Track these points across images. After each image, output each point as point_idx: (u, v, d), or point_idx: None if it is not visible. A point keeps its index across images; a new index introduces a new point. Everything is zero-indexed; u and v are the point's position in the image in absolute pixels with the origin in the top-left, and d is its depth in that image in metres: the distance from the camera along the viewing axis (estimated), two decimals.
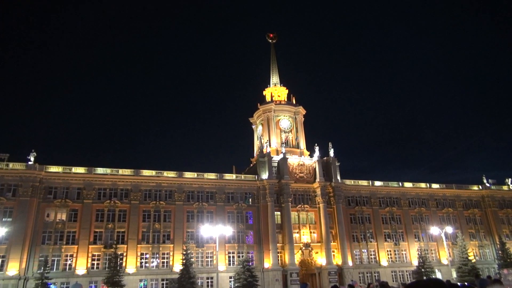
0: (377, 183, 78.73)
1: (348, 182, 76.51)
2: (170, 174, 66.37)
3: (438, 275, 69.02)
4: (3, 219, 54.41)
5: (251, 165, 78.37)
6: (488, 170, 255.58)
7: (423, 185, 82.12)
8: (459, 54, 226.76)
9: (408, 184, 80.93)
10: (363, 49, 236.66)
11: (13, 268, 52.43)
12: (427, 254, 72.04)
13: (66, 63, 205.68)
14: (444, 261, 71.63)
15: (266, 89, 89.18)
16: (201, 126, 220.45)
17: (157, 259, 60.49)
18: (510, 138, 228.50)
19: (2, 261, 52.99)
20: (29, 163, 58.20)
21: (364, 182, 78.32)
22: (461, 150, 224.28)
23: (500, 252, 73.52)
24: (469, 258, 67.57)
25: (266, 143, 75.75)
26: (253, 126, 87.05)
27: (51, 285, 50.67)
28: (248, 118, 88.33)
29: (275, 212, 68.11)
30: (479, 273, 63.88)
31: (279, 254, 65.85)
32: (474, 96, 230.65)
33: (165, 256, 61.04)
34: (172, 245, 61.40)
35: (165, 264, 60.47)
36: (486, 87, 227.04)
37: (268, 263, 64.40)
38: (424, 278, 58.07)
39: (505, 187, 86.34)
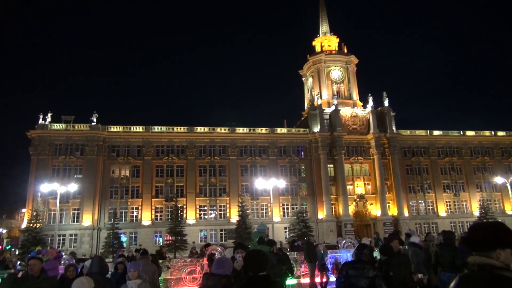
0: (436, 133, 75.02)
1: (404, 132, 73.66)
2: (223, 130, 67.79)
3: None
4: (75, 176, 59.44)
5: (302, 118, 77.65)
6: None
7: (487, 133, 76.99)
8: None
9: (470, 133, 76.28)
10: None
11: (87, 220, 57.89)
12: (490, 205, 68.93)
13: (124, 25, 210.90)
14: (510, 211, 68.30)
15: (315, 39, 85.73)
16: (252, 80, 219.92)
17: (214, 211, 63.63)
18: None
19: (78, 214, 58.56)
20: (93, 123, 62.13)
21: (421, 132, 74.97)
22: None
23: None
24: None
25: (317, 95, 74.16)
26: (303, 79, 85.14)
27: (121, 234, 55.48)
28: (298, 71, 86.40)
29: (328, 165, 67.89)
30: None
31: (332, 206, 66.37)
32: None
33: (222, 208, 63.96)
34: (228, 198, 64.00)
35: (222, 216, 63.50)
36: None
37: (322, 214, 65.32)
38: None
39: None
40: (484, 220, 62.71)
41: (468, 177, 72.79)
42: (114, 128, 64.09)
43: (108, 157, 62.23)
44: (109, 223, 55.24)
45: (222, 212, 63.80)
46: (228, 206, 63.75)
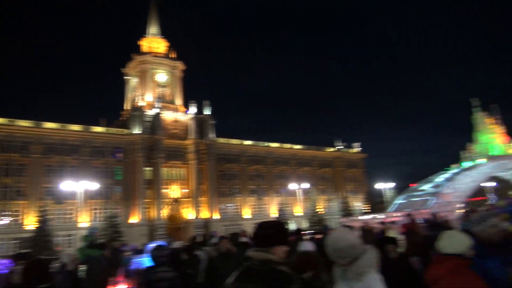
0: (247, 142, 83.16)
1: (220, 140, 78.88)
2: (25, 123, 58.98)
3: (293, 225, 77.98)
4: None
5: (122, 118, 74.43)
6: (344, 134, 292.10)
7: (287, 145, 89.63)
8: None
9: (274, 145, 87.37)
10: (246, 12, 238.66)
11: None
12: (285, 207, 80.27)
13: None
14: (298, 213, 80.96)
15: (142, 39, 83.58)
16: (64, 71, 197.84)
17: (6, 217, 54.33)
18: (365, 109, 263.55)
19: None
20: None
21: (235, 141, 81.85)
22: (331, 115, 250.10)
23: (343, 205, 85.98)
24: (319, 210, 77.60)
25: (140, 96, 72.41)
26: (126, 78, 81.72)
27: None
28: (120, 69, 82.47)
29: (146, 168, 66.93)
30: (325, 223, 74.18)
31: (147, 210, 65.60)
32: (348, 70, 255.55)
33: (17, 214, 55.28)
34: (25, 201, 55.73)
35: (16, 223, 54.83)
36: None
37: (135, 218, 63.75)
38: None
39: (352, 150, 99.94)
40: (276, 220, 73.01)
41: (270, 183, 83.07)
42: None
43: None
44: None
45: (17, 218, 55.14)
46: (24, 211, 55.47)
